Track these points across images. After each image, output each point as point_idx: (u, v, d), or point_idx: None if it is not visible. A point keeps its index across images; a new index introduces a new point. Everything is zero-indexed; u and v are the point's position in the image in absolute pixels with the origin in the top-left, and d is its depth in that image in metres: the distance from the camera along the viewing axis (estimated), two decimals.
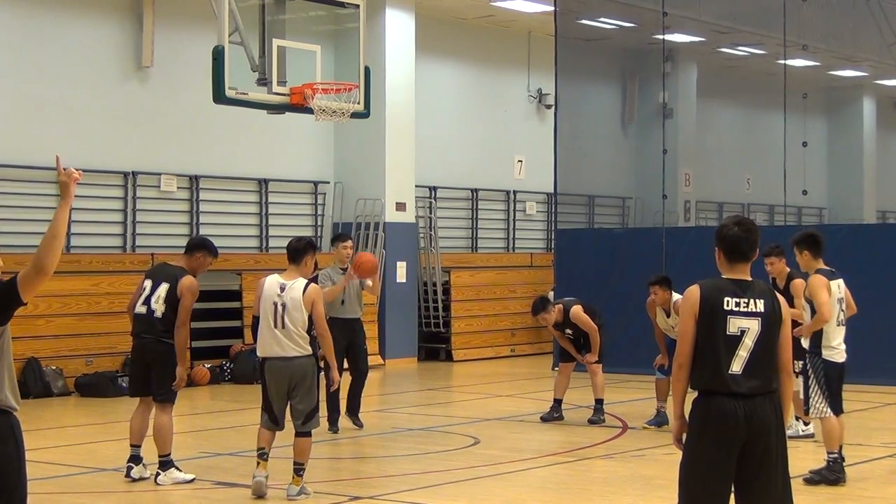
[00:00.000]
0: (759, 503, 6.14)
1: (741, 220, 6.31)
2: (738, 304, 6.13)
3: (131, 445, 10.32)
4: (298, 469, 9.65)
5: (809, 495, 9.81)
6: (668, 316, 13.14)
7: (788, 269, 12.76)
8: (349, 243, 13.70)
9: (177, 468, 10.31)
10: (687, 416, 6.23)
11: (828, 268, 10.44)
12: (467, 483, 10.43)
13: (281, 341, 9.59)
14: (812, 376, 10.25)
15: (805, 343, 10.35)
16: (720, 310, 6.12)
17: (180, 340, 10.30)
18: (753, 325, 6.11)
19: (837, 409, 10.20)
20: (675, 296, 12.83)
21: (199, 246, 10.59)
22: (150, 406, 10.43)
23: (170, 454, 10.30)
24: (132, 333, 10.50)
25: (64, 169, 5.46)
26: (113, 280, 17.62)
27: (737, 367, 6.09)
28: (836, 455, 10.12)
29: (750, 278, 6.24)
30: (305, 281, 9.73)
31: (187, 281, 10.33)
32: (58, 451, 11.95)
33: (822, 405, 10.14)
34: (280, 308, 9.58)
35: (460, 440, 12.77)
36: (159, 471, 10.25)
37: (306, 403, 9.64)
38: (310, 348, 9.67)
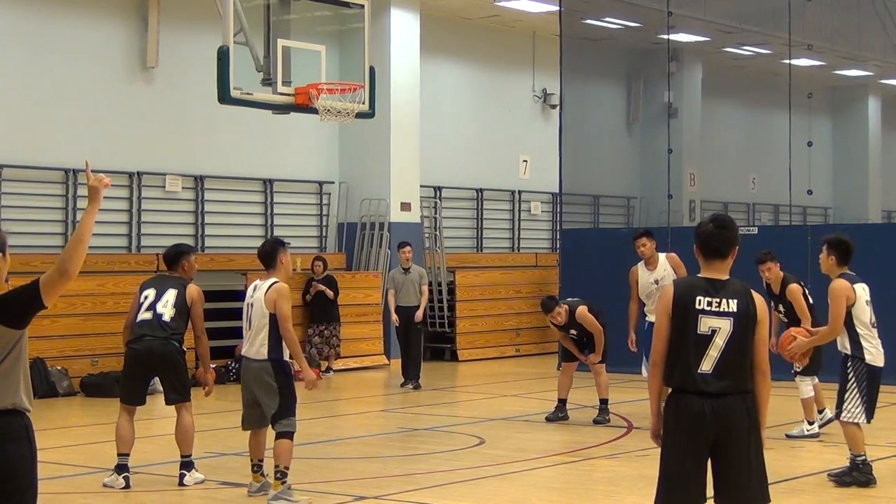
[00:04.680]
0: (732, 502, 6.13)
1: (717, 217, 6.30)
2: (709, 304, 6.10)
3: (120, 454, 10.18)
4: (277, 473, 9.49)
5: (816, 495, 9.82)
6: (652, 271, 13.58)
7: (783, 274, 12.76)
8: (408, 248, 17.75)
9: (195, 468, 10.34)
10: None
11: (850, 272, 10.29)
12: (472, 483, 10.44)
13: (247, 342, 9.61)
14: (853, 380, 10.02)
15: (843, 347, 10.14)
16: (692, 309, 6.10)
17: (203, 349, 10.37)
18: (725, 325, 6.08)
19: (871, 414, 10.12)
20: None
21: (178, 255, 10.57)
22: (135, 412, 10.41)
23: (191, 454, 10.33)
24: (129, 341, 10.36)
25: (93, 174, 5.45)
26: (118, 280, 17.63)
27: (707, 366, 6.07)
28: (863, 457, 10.09)
29: (726, 277, 6.20)
30: (272, 281, 9.60)
31: (195, 289, 10.37)
32: (63, 451, 11.97)
33: (859, 409, 10.00)
34: (248, 308, 9.61)
35: (465, 440, 12.78)
36: (183, 472, 10.26)
37: (270, 403, 9.49)
38: (264, 352, 9.49)
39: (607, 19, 24.54)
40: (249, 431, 9.80)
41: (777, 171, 22.44)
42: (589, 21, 24.18)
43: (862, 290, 10.13)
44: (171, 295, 10.30)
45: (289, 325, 9.50)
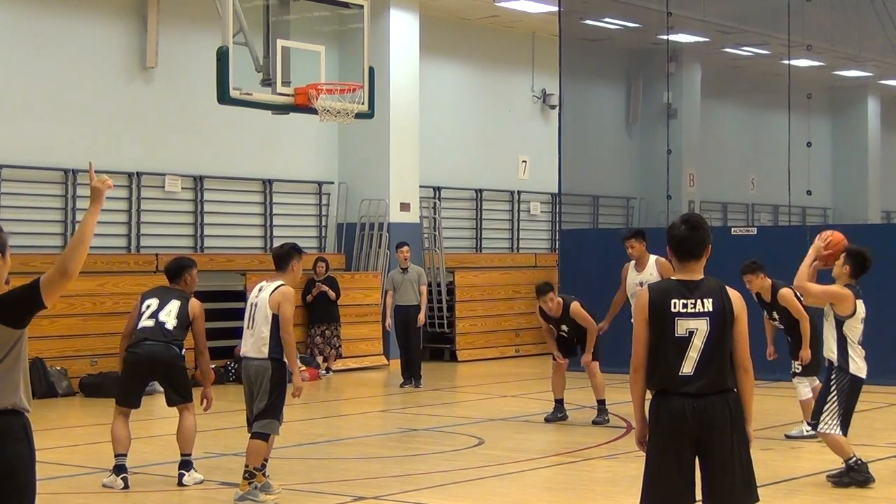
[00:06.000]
0: (719, 501, 6.14)
1: (688, 218, 6.30)
2: (685, 306, 6.11)
3: (117, 455, 10.20)
4: (245, 473, 9.50)
5: (815, 496, 9.82)
6: (640, 273, 13.53)
7: (771, 281, 12.64)
8: (406, 248, 17.90)
9: (194, 468, 10.35)
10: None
11: (856, 287, 10.20)
12: (471, 483, 10.44)
13: (247, 341, 9.64)
14: (835, 391, 9.95)
15: (830, 352, 10.06)
16: (667, 312, 6.11)
17: (205, 365, 10.36)
18: (702, 326, 6.09)
19: (846, 428, 10.02)
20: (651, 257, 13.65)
21: (181, 268, 10.56)
22: (129, 414, 10.41)
23: (192, 453, 10.34)
24: (130, 345, 10.37)
25: (96, 175, 5.47)
26: (118, 280, 17.63)
27: (688, 368, 6.08)
28: (854, 458, 10.05)
29: (699, 277, 6.20)
30: (278, 284, 9.65)
31: (197, 305, 10.40)
32: (62, 451, 11.97)
33: (834, 421, 9.94)
34: (252, 308, 9.65)
35: (464, 440, 12.78)
36: (183, 472, 10.27)
37: (259, 403, 9.54)
38: (265, 351, 9.53)
39: (606, 20, 24.55)
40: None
41: (776, 171, 22.45)
42: (588, 21, 24.19)
43: (861, 307, 10.11)
44: (174, 306, 10.33)
45: (290, 329, 9.55)
